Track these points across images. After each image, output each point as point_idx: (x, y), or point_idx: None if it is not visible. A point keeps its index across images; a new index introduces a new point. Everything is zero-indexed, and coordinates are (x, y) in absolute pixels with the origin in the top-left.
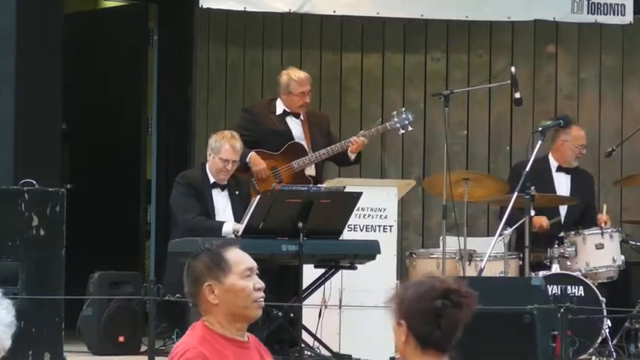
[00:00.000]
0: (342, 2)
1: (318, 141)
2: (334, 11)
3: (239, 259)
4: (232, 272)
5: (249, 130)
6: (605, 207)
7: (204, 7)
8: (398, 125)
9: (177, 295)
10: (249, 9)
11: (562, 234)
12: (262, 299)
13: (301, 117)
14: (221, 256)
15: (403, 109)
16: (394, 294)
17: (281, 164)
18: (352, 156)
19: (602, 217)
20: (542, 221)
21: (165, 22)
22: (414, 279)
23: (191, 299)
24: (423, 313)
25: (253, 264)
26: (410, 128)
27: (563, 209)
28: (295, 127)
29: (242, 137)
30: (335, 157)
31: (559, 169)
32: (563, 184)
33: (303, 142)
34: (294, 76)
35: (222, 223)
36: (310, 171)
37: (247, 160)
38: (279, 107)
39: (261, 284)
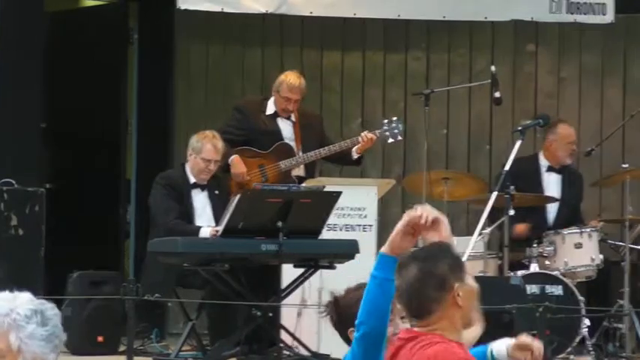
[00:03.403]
0: (319, 3)
1: (309, 142)
2: (311, 12)
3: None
4: (468, 273)
5: (239, 129)
6: (600, 223)
7: (182, 8)
8: (387, 134)
9: (156, 294)
10: (226, 10)
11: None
12: None
13: (292, 118)
14: (458, 255)
15: (395, 118)
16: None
17: (268, 163)
18: (356, 156)
19: (595, 222)
20: (523, 229)
21: (145, 21)
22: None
23: (427, 306)
24: None
25: None
26: (399, 138)
27: (553, 209)
28: (286, 127)
29: (232, 135)
30: (334, 159)
31: (550, 169)
32: (552, 185)
33: (293, 143)
34: (288, 79)
35: (198, 228)
36: (299, 171)
37: (229, 161)
38: (270, 107)
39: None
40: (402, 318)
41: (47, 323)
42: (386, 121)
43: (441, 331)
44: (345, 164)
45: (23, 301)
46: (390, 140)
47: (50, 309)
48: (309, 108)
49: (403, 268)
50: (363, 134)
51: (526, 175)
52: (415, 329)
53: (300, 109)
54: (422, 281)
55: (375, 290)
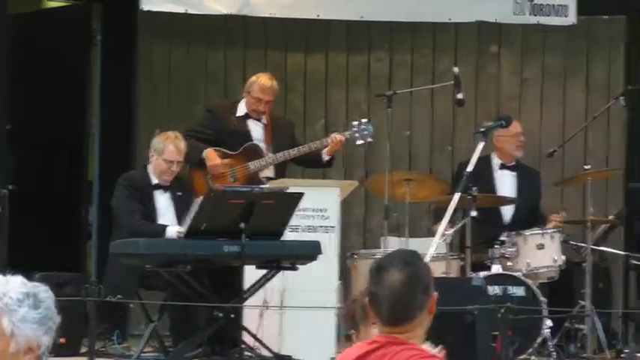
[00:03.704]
0: (281, 4)
1: (280, 145)
2: (272, 14)
3: None
4: None
5: (209, 129)
6: (563, 214)
7: (145, 9)
8: (357, 135)
9: (118, 296)
10: (189, 11)
11: (505, 235)
12: None
13: (263, 120)
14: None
15: (364, 120)
16: None
17: (237, 164)
18: (327, 158)
19: (557, 216)
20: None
21: (108, 22)
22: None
23: (412, 313)
24: None
25: None
26: (369, 139)
27: (509, 208)
28: (256, 129)
29: (202, 135)
30: (304, 161)
31: (502, 166)
32: (506, 183)
33: (262, 145)
34: (260, 79)
35: (164, 227)
36: (268, 173)
37: (203, 155)
38: (241, 109)
39: None
40: (373, 323)
41: (39, 306)
42: (356, 122)
43: (415, 339)
44: (315, 167)
45: (15, 284)
46: (360, 142)
47: (43, 291)
48: (281, 114)
49: (383, 273)
50: (332, 136)
51: (480, 175)
52: (393, 335)
53: (273, 114)
54: (409, 286)
55: None
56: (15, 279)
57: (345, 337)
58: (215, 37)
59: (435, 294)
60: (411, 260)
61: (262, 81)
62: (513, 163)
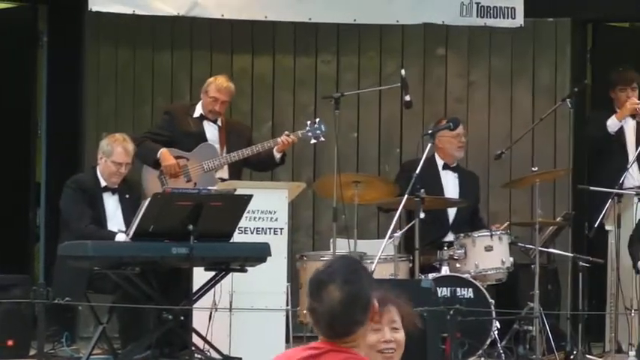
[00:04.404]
0: (230, 6)
1: (235, 148)
2: (222, 15)
3: None
4: None
5: (165, 130)
6: (505, 224)
7: (94, 10)
8: (310, 134)
9: (67, 298)
10: (137, 12)
11: (451, 236)
12: None
13: (219, 123)
14: (367, 268)
15: (317, 119)
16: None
17: (192, 164)
18: (278, 155)
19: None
20: None
21: (55, 23)
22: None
23: (352, 328)
24: None
25: None
26: (322, 139)
27: (452, 211)
28: (211, 131)
29: (158, 137)
30: (257, 162)
31: (445, 166)
32: (450, 184)
33: (217, 146)
34: (217, 80)
35: (114, 234)
36: (222, 174)
37: (158, 156)
38: (198, 110)
39: None
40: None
41: None
42: (309, 122)
43: (358, 349)
44: (269, 168)
45: None
46: (313, 141)
47: None
48: (228, 116)
49: (322, 290)
50: (284, 136)
51: (426, 175)
52: (335, 343)
53: (231, 118)
54: (347, 305)
55: None
56: None
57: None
58: (162, 39)
59: (376, 305)
60: (351, 278)
61: (219, 81)
62: (455, 164)
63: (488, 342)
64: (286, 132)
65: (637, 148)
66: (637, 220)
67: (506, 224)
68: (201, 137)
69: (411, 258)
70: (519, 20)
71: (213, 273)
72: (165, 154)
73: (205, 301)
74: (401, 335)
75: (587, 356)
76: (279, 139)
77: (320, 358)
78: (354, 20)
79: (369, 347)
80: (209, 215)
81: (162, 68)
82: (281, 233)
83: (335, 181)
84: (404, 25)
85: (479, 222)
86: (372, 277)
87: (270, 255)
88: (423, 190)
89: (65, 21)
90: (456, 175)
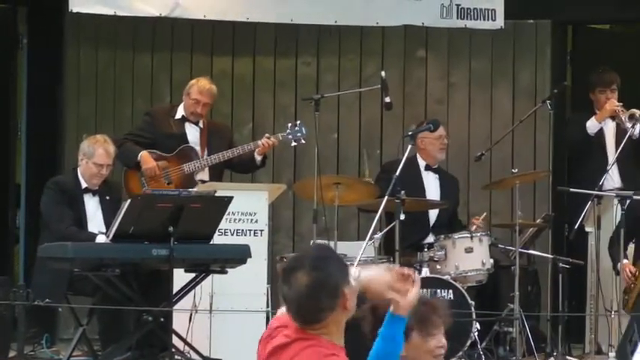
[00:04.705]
0: (212, 7)
1: (216, 149)
2: (204, 16)
3: None
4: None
5: (146, 132)
6: (484, 215)
7: (74, 11)
8: (290, 137)
9: (47, 300)
10: (119, 13)
11: (432, 238)
12: None
13: (200, 124)
14: (340, 257)
15: (298, 122)
16: None
17: (172, 166)
18: (259, 158)
19: (478, 219)
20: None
21: (35, 25)
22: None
23: (320, 315)
24: None
25: None
26: (303, 141)
27: (433, 213)
28: (192, 132)
29: (139, 138)
30: (238, 164)
31: (427, 167)
32: (432, 185)
33: (198, 148)
34: (199, 82)
35: (95, 236)
36: (203, 176)
37: (138, 158)
38: (179, 112)
39: None
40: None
41: None
42: (289, 124)
43: (328, 336)
44: (250, 170)
45: None
46: (294, 144)
47: None
48: (208, 118)
49: (291, 276)
50: (265, 139)
51: (408, 176)
52: (306, 330)
53: (212, 119)
54: (314, 291)
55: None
56: None
57: None
58: (142, 40)
59: (348, 291)
60: (319, 264)
61: (201, 83)
62: (436, 165)
63: (468, 343)
64: (267, 134)
65: (616, 150)
66: (617, 221)
67: (484, 215)
68: (183, 139)
69: (392, 259)
70: (499, 22)
71: (193, 274)
72: (146, 157)
73: (185, 302)
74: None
75: (567, 357)
76: (259, 142)
77: (288, 346)
78: (335, 22)
79: (426, 352)
80: (189, 217)
81: (143, 70)
82: (261, 235)
83: (315, 183)
84: (384, 26)
85: (458, 224)
86: (343, 265)
87: (251, 256)
88: (403, 192)
89: (45, 22)
90: (437, 176)
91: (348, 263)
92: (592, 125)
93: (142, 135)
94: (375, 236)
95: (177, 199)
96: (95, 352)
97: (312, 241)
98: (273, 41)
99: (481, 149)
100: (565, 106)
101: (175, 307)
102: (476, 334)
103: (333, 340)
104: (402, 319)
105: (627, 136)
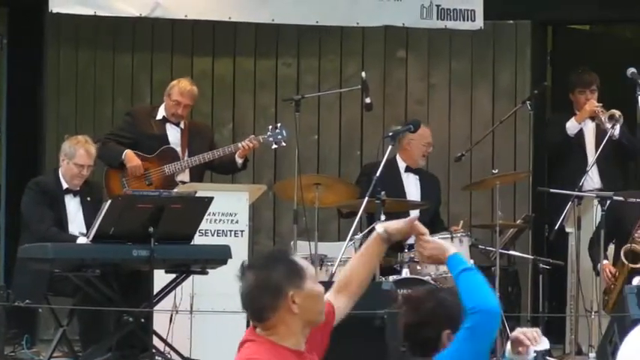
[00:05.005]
0: (193, 7)
1: (197, 151)
2: (185, 15)
3: (306, 263)
4: (307, 277)
5: (127, 132)
6: (461, 222)
7: (54, 11)
8: (271, 139)
9: (27, 300)
10: (99, 14)
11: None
12: None
13: (181, 125)
14: (295, 262)
15: (279, 124)
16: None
17: (153, 167)
18: (240, 161)
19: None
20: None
21: (15, 25)
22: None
23: (263, 314)
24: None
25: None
26: (283, 144)
27: (414, 214)
28: (173, 133)
29: (120, 139)
30: (219, 165)
31: (407, 169)
32: (412, 186)
33: (179, 149)
34: (180, 83)
35: (76, 238)
36: (183, 177)
37: (123, 157)
38: (160, 113)
39: (321, 288)
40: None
41: None
42: (270, 127)
43: (275, 336)
44: (230, 172)
45: None
46: (274, 146)
47: None
48: (202, 121)
49: (243, 276)
50: (247, 141)
51: (388, 177)
52: (256, 331)
53: (193, 120)
54: (257, 289)
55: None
56: None
57: None
58: (122, 41)
59: (296, 294)
60: (266, 264)
61: (182, 84)
62: (416, 167)
63: None
64: (252, 135)
65: (596, 151)
66: (597, 222)
67: (461, 222)
68: (164, 140)
69: None
70: (479, 23)
71: (174, 275)
72: (130, 155)
73: (166, 303)
74: None
75: (548, 358)
76: (239, 144)
77: (240, 348)
78: (317, 22)
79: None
80: (170, 218)
81: (123, 70)
82: (242, 235)
83: (296, 184)
84: (364, 27)
85: (439, 225)
86: (294, 269)
87: (231, 257)
88: (383, 193)
89: (25, 23)
90: (417, 177)
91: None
92: (572, 126)
93: (124, 135)
94: (356, 237)
95: (158, 200)
96: (75, 352)
97: (291, 242)
98: (253, 42)
99: (461, 150)
100: (545, 106)
101: (156, 307)
102: None
103: (283, 343)
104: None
105: (607, 136)
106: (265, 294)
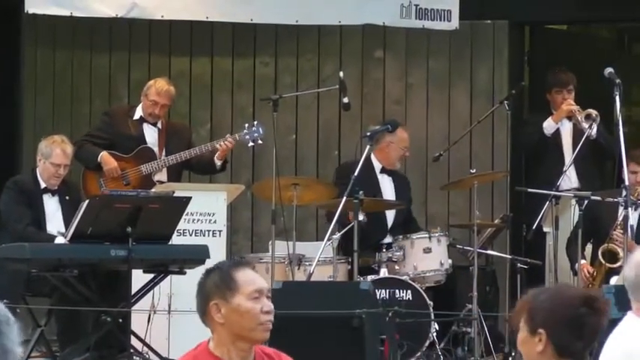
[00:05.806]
0: (170, 6)
1: (175, 150)
2: (162, 16)
3: (249, 279)
4: (240, 293)
5: (104, 132)
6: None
7: (30, 12)
8: (247, 137)
9: (4, 300)
10: (75, 14)
11: (389, 238)
12: (270, 322)
13: (159, 125)
14: (230, 275)
15: (255, 122)
16: (524, 302)
17: (130, 166)
18: (219, 162)
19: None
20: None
21: None
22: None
23: (200, 316)
24: (567, 321)
25: (264, 286)
26: (260, 142)
27: (390, 214)
28: (150, 133)
29: (97, 139)
30: (197, 165)
31: (382, 170)
32: (387, 186)
33: (156, 149)
34: (157, 83)
35: (53, 237)
36: (161, 176)
37: (99, 159)
38: (137, 113)
39: (270, 307)
40: None
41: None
42: (246, 125)
43: (211, 343)
44: (209, 172)
45: None
46: (251, 144)
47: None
48: (180, 121)
49: None
50: (223, 142)
51: (364, 177)
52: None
53: (171, 120)
54: (197, 292)
55: None
56: None
57: None
58: (100, 41)
59: (223, 306)
60: (211, 270)
61: (159, 84)
62: (391, 169)
63: (426, 344)
64: (228, 135)
65: (573, 151)
66: (574, 222)
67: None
68: (141, 140)
69: (350, 260)
70: (455, 23)
71: (151, 275)
72: (107, 158)
73: (144, 303)
74: None
75: None
76: (217, 145)
77: None
78: (296, 21)
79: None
80: (147, 217)
81: (101, 70)
82: (220, 235)
83: (274, 184)
84: (342, 27)
85: (413, 224)
86: (226, 281)
87: (209, 257)
88: (361, 192)
89: (2, 23)
90: (391, 178)
91: (307, 264)
92: (549, 126)
93: (100, 135)
94: (334, 237)
95: (136, 200)
96: (53, 352)
97: (269, 242)
98: (230, 42)
99: (439, 149)
100: (523, 106)
101: (134, 307)
102: (434, 334)
103: (215, 351)
104: None
105: (585, 136)
106: (198, 297)
